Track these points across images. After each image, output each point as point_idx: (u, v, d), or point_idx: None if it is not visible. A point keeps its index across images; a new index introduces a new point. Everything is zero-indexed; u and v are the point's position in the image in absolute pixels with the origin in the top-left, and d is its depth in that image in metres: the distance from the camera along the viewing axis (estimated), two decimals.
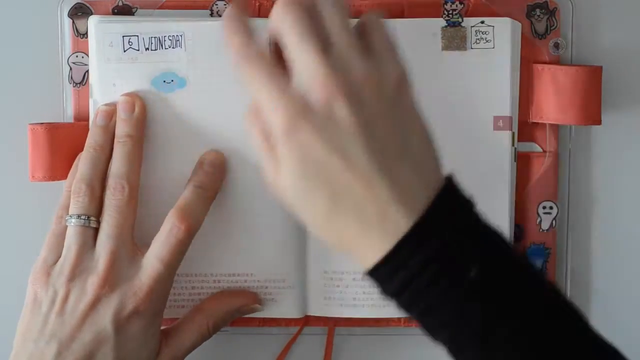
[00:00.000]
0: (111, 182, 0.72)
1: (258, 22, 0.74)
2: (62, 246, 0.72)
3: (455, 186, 0.62)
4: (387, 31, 0.64)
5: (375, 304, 0.77)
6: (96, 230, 0.72)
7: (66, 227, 0.72)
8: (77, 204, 0.72)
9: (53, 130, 0.75)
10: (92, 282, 0.70)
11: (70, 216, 0.72)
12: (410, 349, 0.79)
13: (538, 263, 0.78)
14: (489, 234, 0.61)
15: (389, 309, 0.77)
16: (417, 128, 0.62)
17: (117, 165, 0.73)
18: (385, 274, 0.60)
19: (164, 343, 0.73)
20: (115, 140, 0.73)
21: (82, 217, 0.72)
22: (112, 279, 0.71)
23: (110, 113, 0.74)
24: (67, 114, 0.76)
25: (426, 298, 0.59)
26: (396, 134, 0.61)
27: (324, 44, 0.62)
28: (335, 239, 0.62)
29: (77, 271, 0.71)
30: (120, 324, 0.70)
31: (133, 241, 0.72)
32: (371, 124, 0.61)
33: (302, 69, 0.62)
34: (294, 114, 0.61)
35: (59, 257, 0.72)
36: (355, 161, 0.60)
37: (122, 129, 0.74)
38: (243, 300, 0.77)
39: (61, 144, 0.74)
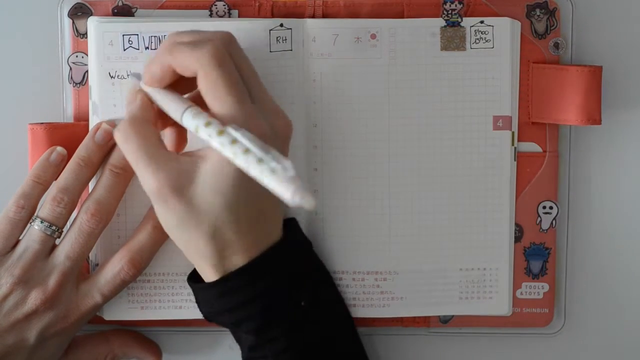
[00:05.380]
0: (91, 206, 0.72)
1: (258, 22, 0.75)
2: (16, 237, 0.72)
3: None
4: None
5: (375, 304, 0.77)
6: (55, 241, 0.73)
7: (26, 220, 0.72)
8: (52, 212, 0.72)
9: (53, 130, 0.75)
10: (35, 297, 0.71)
11: (40, 219, 0.72)
12: (410, 349, 0.79)
13: (538, 263, 0.78)
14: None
15: (389, 309, 0.77)
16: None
17: (103, 192, 0.72)
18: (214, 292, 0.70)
19: (63, 355, 0.75)
20: (109, 166, 0.72)
21: (52, 226, 0.72)
22: (55, 299, 0.72)
23: (111, 134, 0.71)
24: (67, 114, 0.76)
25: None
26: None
27: None
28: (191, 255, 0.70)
29: (26, 277, 0.71)
30: (43, 338, 0.72)
31: (85, 264, 0.74)
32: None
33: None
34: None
35: (11, 247, 0.72)
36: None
37: (119, 160, 0.72)
38: (145, 353, 0.78)
39: (61, 144, 0.74)
